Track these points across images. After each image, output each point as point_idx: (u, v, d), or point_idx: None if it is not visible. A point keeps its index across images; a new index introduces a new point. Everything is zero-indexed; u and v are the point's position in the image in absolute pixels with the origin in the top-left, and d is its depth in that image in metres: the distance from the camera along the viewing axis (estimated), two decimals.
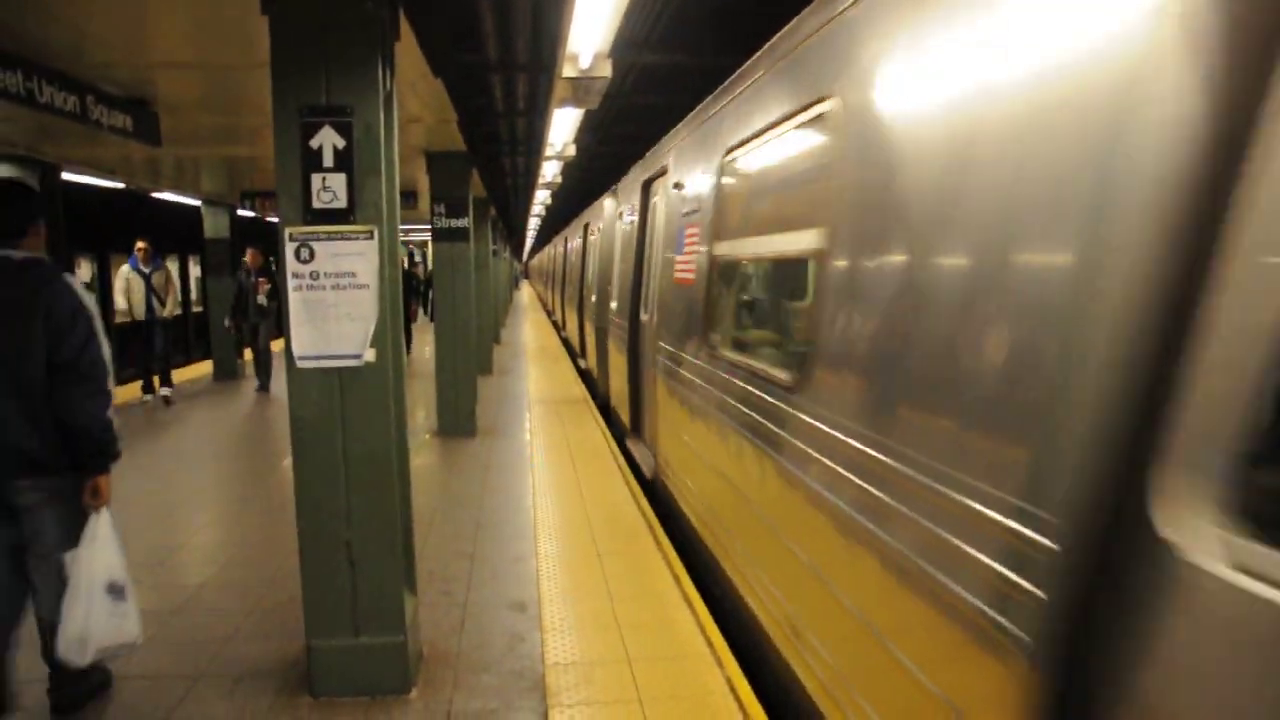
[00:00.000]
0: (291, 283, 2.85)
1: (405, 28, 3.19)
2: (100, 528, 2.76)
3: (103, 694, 3.09)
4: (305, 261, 2.85)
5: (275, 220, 3.03)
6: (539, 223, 30.38)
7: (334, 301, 2.87)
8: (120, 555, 2.80)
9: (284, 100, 2.72)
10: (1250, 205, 1.23)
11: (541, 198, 16.85)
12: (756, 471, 3.06)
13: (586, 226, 11.36)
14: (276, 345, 11.29)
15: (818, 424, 2.48)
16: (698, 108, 4.58)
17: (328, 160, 2.76)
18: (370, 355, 2.90)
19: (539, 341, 17.28)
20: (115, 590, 2.76)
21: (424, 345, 14.20)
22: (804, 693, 2.68)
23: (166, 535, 4.86)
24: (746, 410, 3.21)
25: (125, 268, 9.14)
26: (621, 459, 6.70)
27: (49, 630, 2.80)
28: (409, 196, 10.96)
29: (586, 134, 12.34)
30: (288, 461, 3.35)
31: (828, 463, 2.38)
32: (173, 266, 24.98)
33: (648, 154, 6.69)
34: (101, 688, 3.09)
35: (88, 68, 4.40)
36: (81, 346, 2.59)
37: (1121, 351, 1.40)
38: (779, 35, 3.19)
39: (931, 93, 2.00)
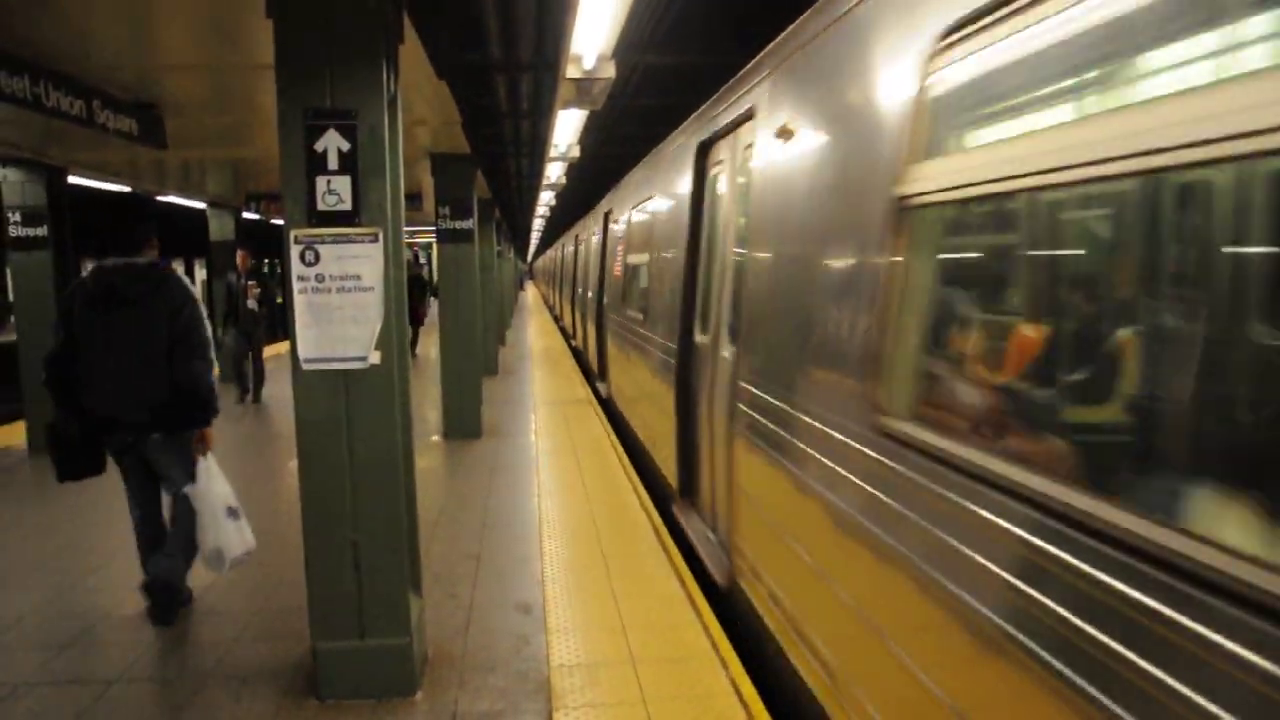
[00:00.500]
0: (297, 285, 2.86)
1: (409, 30, 3.20)
2: (211, 467, 3.60)
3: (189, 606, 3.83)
4: (310, 264, 2.86)
5: (280, 223, 3.05)
6: (543, 224, 30.42)
7: (339, 304, 2.88)
8: (228, 486, 3.63)
9: (289, 103, 2.72)
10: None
11: (546, 199, 16.86)
12: (630, 354, 6.79)
13: (577, 237, 14.84)
14: (270, 350, 11.30)
15: (644, 330, 6.06)
16: (624, 178, 8.56)
17: (332, 163, 2.77)
18: (375, 357, 2.91)
19: (544, 343, 17.28)
20: (232, 512, 3.60)
21: (430, 346, 14.23)
22: (637, 441, 6.81)
23: None
24: (630, 334, 6.88)
25: None
26: (628, 461, 6.70)
27: (152, 546, 3.74)
28: (414, 198, 10.98)
29: (591, 135, 12.34)
30: (293, 464, 3.39)
31: (643, 343, 6.06)
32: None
33: (607, 195, 10.61)
34: (187, 602, 3.87)
35: (94, 70, 4.42)
36: (190, 325, 3.44)
37: (677, 282, 5.10)
38: (638, 164, 7.35)
39: (644, 214, 6.81)
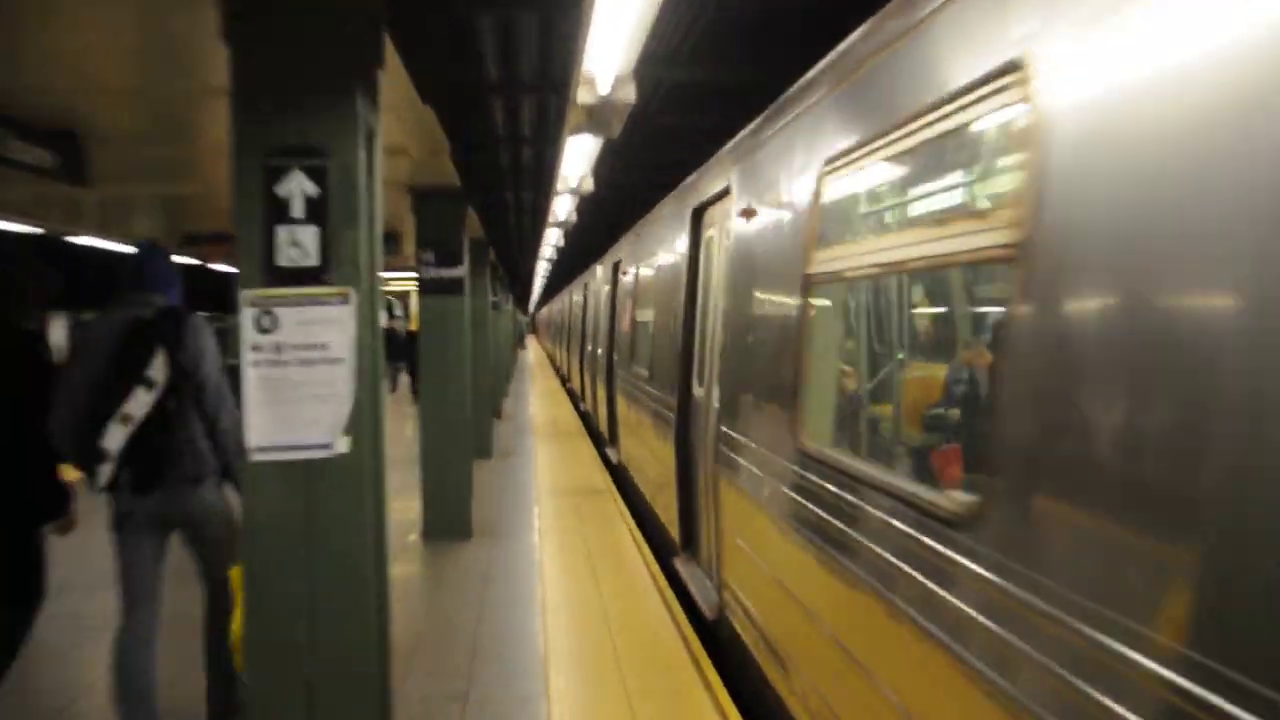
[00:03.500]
0: (249, 357, 2.92)
1: (390, 50, 3.33)
2: None
3: None
4: (266, 331, 2.92)
5: (224, 268, 3.14)
6: (549, 268, 30.98)
7: (300, 379, 2.93)
8: None
9: (245, 140, 2.84)
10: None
11: (553, 238, 17.17)
12: (579, 362, 18.35)
13: (571, 296, 23.57)
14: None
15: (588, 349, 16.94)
16: (579, 277, 21.79)
17: (297, 210, 2.86)
18: (343, 444, 2.95)
19: (549, 414, 17.35)
20: None
21: (406, 421, 14.31)
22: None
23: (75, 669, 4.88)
24: (580, 353, 17.94)
25: None
26: (658, 570, 6.67)
27: None
28: (390, 239, 11.21)
29: (607, 164, 12.63)
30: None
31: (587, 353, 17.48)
32: None
33: (580, 276, 21.20)
34: None
35: (10, 94, 4.62)
36: None
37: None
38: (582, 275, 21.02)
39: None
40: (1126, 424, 1.88)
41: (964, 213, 2.86)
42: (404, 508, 8.14)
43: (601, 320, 13.64)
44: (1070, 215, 2.07)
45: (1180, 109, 1.77)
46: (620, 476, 10.54)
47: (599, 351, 13.67)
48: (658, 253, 8.46)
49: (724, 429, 5.11)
